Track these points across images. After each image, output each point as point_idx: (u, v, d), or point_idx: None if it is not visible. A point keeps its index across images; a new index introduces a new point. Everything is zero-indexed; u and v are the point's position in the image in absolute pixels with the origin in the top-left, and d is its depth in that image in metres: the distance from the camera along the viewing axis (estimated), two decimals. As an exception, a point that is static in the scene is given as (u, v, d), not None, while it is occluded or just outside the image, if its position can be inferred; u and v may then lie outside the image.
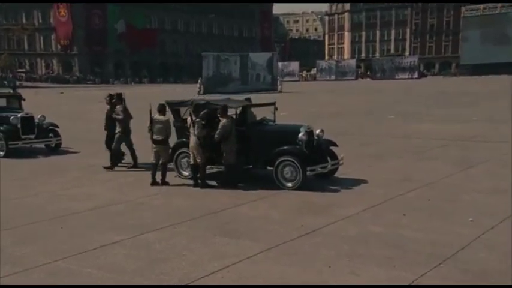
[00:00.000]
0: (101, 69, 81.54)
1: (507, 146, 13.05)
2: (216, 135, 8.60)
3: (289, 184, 8.65)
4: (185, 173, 9.65)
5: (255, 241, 6.07)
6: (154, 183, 9.06)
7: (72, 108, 28.27)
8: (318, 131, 9.43)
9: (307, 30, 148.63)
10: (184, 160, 9.65)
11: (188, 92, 42.74)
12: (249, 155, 9.14)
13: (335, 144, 9.68)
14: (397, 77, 75.68)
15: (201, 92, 45.61)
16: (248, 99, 10.22)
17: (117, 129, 10.54)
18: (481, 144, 13.70)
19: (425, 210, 7.39)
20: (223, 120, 8.70)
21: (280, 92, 47.32)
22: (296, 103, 32.23)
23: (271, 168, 8.80)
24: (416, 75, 75.99)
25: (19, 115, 12.82)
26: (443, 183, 9.14)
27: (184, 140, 9.70)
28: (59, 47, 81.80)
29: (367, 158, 11.69)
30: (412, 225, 6.69)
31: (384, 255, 5.56)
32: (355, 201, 7.87)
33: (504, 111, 21.33)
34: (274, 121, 9.72)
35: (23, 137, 12.68)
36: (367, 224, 6.72)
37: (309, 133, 9.12)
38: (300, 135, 8.88)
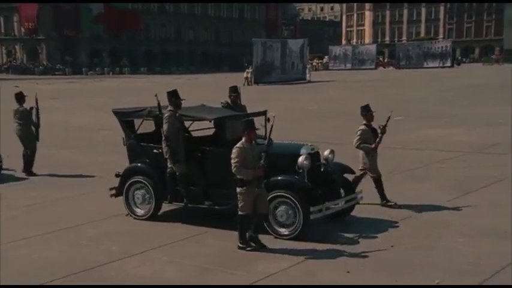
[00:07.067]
0: (73, 58, 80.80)
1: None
2: (233, 165, 6.62)
3: (285, 231, 7.09)
4: (140, 211, 8.22)
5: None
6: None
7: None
8: (326, 153, 7.86)
9: (321, 9, 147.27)
10: (139, 193, 8.18)
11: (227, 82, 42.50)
12: (231, 186, 7.04)
13: (351, 171, 8.25)
14: (425, 65, 74.14)
15: (251, 82, 46.91)
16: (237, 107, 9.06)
17: None
18: (496, 158, 12.61)
19: (381, 264, 6.31)
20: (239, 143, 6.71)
21: (309, 81, 50.45)
22: (314, 96, 31.89)
23: None
24: (448, 63, 74.48)
25: None
26: (423, 218, 8.08)
27: (138, 164, 8.33)
28: (22, 30, 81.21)
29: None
30: (352, 290, 5.62)
31: None
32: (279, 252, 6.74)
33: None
34: (265, 138, 7.61)
35: None
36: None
37: (313, 156, 7.59)
38: (300, 159, 7.33)
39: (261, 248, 6.75)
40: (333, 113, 22.89)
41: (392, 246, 6.85)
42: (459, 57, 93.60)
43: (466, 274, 6.00)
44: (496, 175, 10.66)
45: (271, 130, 6.84)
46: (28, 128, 11.73)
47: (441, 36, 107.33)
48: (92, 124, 20.39)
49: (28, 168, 11.59)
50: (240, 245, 6.80)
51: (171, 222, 8.00)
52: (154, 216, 8.10)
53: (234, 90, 9.52)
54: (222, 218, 7.52)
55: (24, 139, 11.71)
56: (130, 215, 8.27)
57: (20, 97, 11.74)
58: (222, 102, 9.51)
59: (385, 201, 8.69)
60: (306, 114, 22.94)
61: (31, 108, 11.73)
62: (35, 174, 11.51)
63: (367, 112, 8.70)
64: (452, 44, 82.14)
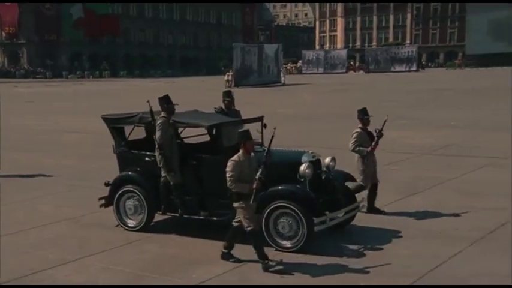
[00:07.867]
0: (54, 61, 79.43)
1: (477, 161, 11.89)
2: (228, 180, 5.95)
3: (287, 243, 6.51)
4: (131, 222, 7.49)
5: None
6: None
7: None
8: (327, 160, 7.22)
9: (296, 15, 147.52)
10: (130, 202, 7.46)
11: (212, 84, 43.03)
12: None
13: (352, 179, 7.75)
14: (393, 69, 74.77)
15: (232, 85, 47.21)
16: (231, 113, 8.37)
17: None
18: (447, 159, 12.48)
19: (315, 267, 6.05)
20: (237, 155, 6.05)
21: (284, 84, 51.40)
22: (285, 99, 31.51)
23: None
24: (414, 68, 75.14)
25: None
26: (364, 220, 7.81)
27: (129, 172, 7.60)
28: (3, 34, 79.58)
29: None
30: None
31: None
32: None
33: (499, 113, 20.27)
34: (262, 144, 7.17)
35: None
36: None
37: (315, 164, 6.99)
38: (302, 168, 6.72)
39: (233, 260, 6.20)
40: (308, 115, 22.69)
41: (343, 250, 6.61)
42: (424, 62, 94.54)
43: (398, 275, 5.78)
44: (444, 176, 10.55)
45: (271, 141, 6.11)
46: None
47: (408, 41, 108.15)
48: (61, 127, 19.86)
49: None
50: (263, 262, 6.01)
51: (115, 227, 7.63)
52: (146, 228, 7.39)
53: (228, 95, 8.78)
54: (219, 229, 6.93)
55: None
56: (121, 226, 7.54)
57: None
58: (215, 108, 8.78)
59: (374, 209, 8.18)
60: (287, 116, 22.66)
61: None
62: None
63: (363, 116, 8.27)
64: (419, 49, 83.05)
